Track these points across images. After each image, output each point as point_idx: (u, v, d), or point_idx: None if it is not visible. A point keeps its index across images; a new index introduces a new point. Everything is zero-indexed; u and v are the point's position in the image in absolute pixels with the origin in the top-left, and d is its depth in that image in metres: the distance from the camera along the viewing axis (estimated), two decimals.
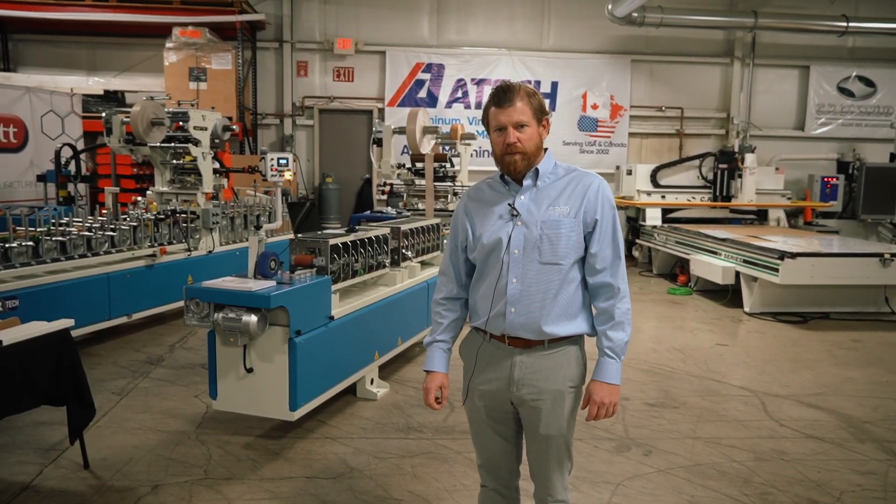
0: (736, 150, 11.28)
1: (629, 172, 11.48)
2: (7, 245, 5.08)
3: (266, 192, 8.75)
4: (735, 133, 12.36)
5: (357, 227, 5.24)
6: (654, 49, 12.67)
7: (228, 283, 3.90)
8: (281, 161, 7.94)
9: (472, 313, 2.43)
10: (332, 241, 4.43)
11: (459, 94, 12.50)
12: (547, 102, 12.30)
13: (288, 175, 8.04)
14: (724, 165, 11.13)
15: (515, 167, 2.24)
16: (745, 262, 7.92)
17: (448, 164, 6.94)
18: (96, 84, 11.10)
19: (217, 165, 7.62)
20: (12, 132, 7.18)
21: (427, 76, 12.39)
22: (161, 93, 9.81)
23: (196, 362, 5.67)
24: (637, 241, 11.41)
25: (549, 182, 2.28)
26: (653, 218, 10.93)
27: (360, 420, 4.51)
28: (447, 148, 7.18)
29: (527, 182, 2.27)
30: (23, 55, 12.00)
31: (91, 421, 3.71)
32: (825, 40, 12.47)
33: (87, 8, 10.65)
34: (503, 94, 2.21)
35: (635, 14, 11.30)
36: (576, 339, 2.33)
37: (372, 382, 5.01)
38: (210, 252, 7.19)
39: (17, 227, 5.35)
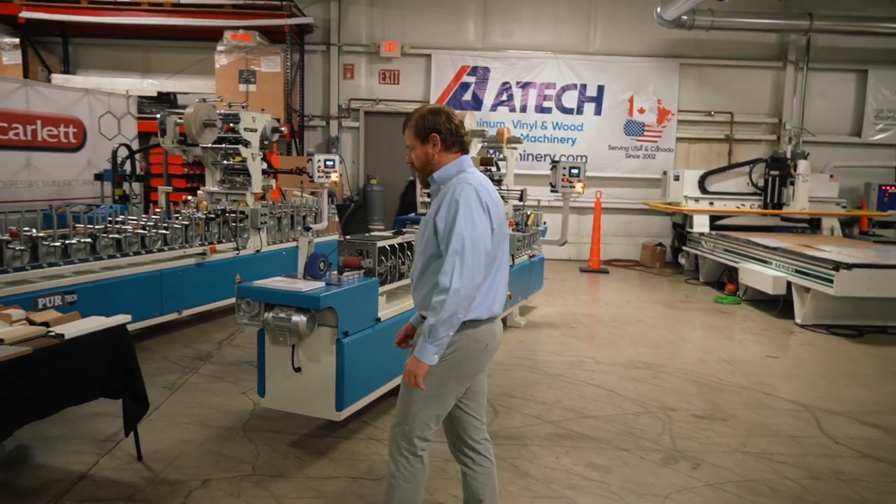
0: (788, 156, 10.99)
1: (676, 178, 11.28)
2: (67, 241, 5.25)
3: (312, 193, 8.86)
4: (787, 139, 12.03)
5: (403, 230, 5.26)
6: (704, 52, 12.43)
7: (279, 283, 3.95)
8: (328, 163, 8.05)
9: None
10: (379, 244, 4.45)
11: (504, 97, 12.47)
12: (592, 106, 12.38)
13: (334, 176, 8.15)
14: (776, 172, 10.85)
15: (418, 178, 2.88)
16: (797, 272, 7.70)
17: (494, 168, 6.92)
18: (150, 86, 11.42)
19: (265, 166, 7.76)
20: (72, 132, 7.42)
21: (472, 79, 12.39)
22: (212, 94, 10.04)
23: (243, 359, 5.78)
24: (683, 248, 11.21)
25: (441, 187, 2.73)
26: (700, 225, 10.72)
27: None
28: (493, 151, 7.16)
29: (433, 187, 2.78)
30: (82, 58, 12.43)
31: (144, 415, 3.81)
32: (885, 43, 12.06)
33: (144, 12, 10.97)
34: (404, 123, 2.81)
35: (685, 17, 11.12)
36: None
37: None
38: (258, 251, 7.32)
39: (77, 224, 5.53)
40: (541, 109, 12.52)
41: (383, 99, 12.44)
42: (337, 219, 9.22)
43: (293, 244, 7.77)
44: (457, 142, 2.73)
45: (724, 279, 9.73)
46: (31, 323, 3.52)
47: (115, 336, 3.59)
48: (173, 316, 6.33)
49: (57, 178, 7.25)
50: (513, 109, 12.50)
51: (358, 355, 4.10)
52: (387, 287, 4.57)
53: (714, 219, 10.88)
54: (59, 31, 11.97)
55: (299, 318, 3.79)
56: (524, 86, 12.47)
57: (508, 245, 2.87)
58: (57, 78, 11.30)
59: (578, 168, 7.46)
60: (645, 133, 12.54)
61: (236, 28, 10.86)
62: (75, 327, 3.44)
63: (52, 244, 5.11)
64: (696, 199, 11.09)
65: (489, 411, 4.79)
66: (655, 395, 5.23)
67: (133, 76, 11.95)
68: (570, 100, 12.50)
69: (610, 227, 12.38)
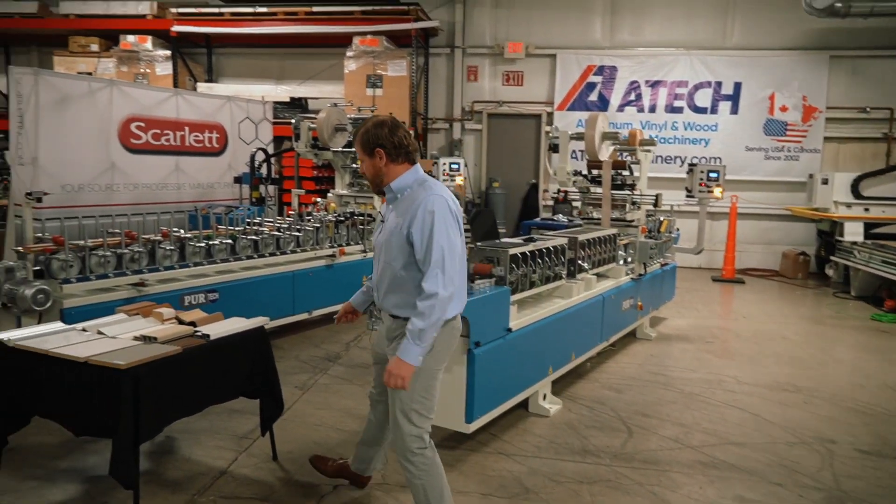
0: None
1: (825, 182, 10.32)
2: (210, 242, 5.51)
3: None
4: None
5: (533, 236, 5.10)
6: (859, 43, 11.31)
7: None
8: (453, 166, 8.05)
9: None
10: (511, 251, 4.32)
11: (632, 96, 11.97)
12: (728, 105, 11.62)
13: (459, 180, 8.13)
14: None
15: (371, 188, 3.09)
16: None
17: (626, 172, 6.60)
18: (284, 92, 11.93)
19: None
20: (215, 138, 7.85)
21: (598, 79, 11.99)
22: (341, 99, 10.34)
23: (370, 362, 5.76)
24: (831, 258, 10.25)
25: (403, 196, 2.90)
26: (853, 233, 9.74)
27: (533, 437, 4.36)
28: (624, 154, 6.84)
29: (388, 196, 2.97)
30: (224, 67, 13.22)
31: (279, 416, 3.88)
32: None
33: (280, 22, 11.49)
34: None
35: (838, 4, 10.13)
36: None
37: (544, 398, 4.84)
38: None
39: (219, 226, 5.80)
40: (671, 109, 11.91)
41: (506, 101, 12.31)
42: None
43: None
44: (402, 153, 2.88)
45: (883, 294, 8.78)
46: (180, 322, 3.67)
47: (255, 337, 3.67)
48: (304, 316, 6.51)
49: (201, 181, 7.71)
50: (641, 109, 11.97)
51: (489, 366, 3.98)
52: (518, 296, 4.43)
53: (870, 226, 9.86)
54: (205, 42, 12.80)
55: None
56: (654, 84, 11.91)
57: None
58: (202, 86, 12.07)
59: (717, 172, 6.99)
60: (787, 133, 11.60)
61: (365, 34, 11.12)
62: (219, 328, 3.55)
63: (197, 245, 5.39)
64: (849, 205, 10.09)
65: (622, 430, 4.53)
66: (809, 423, 4.74)
67: (268, 83, 12.54)
68: (704, 98, 11.79)
69: (746, 233, 11.56)
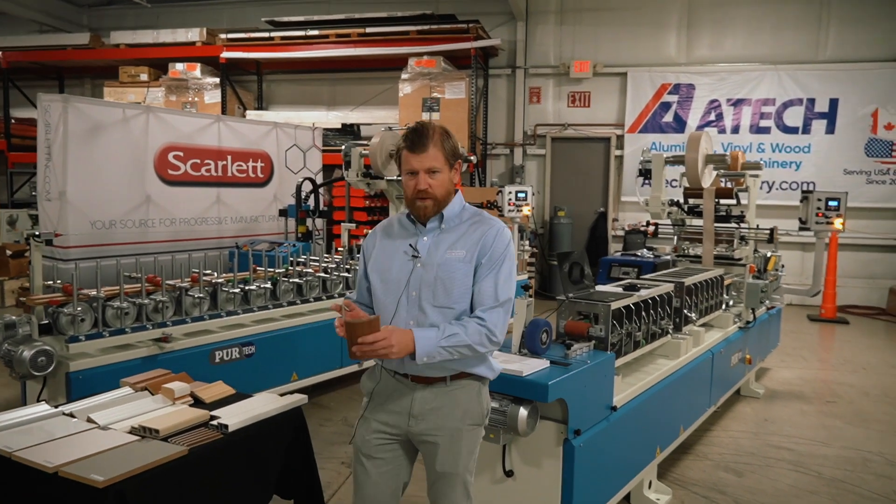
0: None
1: None
2: (247, 287, 4.76)
3: None
4: None
5: (636, 282, 4.16)
6: None
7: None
8: (520, 195, 7.18)
9: None
10: (614, 305, 3.39)
11: (712, 116, 10.89)
12: (822, 124, 10.40)
13: (526, 210, 7.25)
14: None
15: (426, 212, 2.26)
16: None
17: (732, 201, 5.60)
18: (335, 118, 11.34)
19: None
20: (260, 167, 7.21)
21: (674, 98, 10.98)
22: (395, 124, 9.63)
23: None
24: None
25: (453, 225, 2.30)
26: None
27: None
28: (727, 181, 5.85)
29: (431, 224, 2.29)
30: (274, 94, 12.78)
31: None
32: None
33: (331, 44, 10.93)
34: (416, 138, 2.20)
35: None
36: (479, 377, 2.32)
37: (650, 486, 3.85)
38: None
39: (258, 268, 5.06)
40: (757, 129, 10.77)
41: (572, 123, 11.39)
42: (527, 255, 8.31)
43: None
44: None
45: None
46: (195, 401, 2.87)
47: (290, 423, 2.84)
48: (354, 368, 5.67)
49: (244, 214, 7.06)
50: (722, 130, 10.87)
51: (591, 459, 3.04)
52: (622, 360, 3.49)
53: None
54: (255, 69, 12.37)
55: (519, 413, 2.81)
56: (736, 103, 10.82)
57: None
58: (251, 114, 11.59)
59: (838, 200, 5.91)
60: (894, 154, 10.32)
61: (421, 54, 10.43)
62: (243, 412, 2.72)
63: (231, 291, 4.64)
64: None
65: None
66: None
67: (319, 109, 11.98)
68: (794, 117, 10.63)
69: (845, 267, 10.25)
